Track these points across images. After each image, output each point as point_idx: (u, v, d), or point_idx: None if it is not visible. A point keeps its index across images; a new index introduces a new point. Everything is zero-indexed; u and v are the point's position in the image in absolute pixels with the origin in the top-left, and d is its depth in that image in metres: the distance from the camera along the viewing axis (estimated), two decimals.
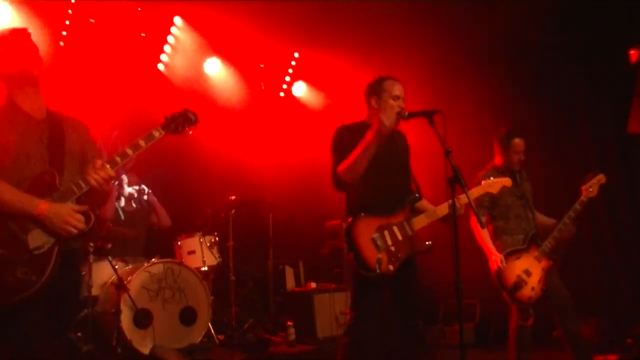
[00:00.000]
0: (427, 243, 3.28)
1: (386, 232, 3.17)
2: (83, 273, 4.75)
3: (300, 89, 7.85)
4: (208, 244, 5.53)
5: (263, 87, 7.69)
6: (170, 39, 6.77)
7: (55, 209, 2.43)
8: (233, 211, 6.02)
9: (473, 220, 3.99)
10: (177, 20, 6.68)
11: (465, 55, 6.54)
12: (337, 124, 3.40)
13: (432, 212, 3.33)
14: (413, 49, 6.26)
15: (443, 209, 3.30)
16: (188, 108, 2.73)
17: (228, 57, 7.19)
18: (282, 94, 7.86)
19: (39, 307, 2.42)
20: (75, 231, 2.46)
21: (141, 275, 4.75)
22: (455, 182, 2.93)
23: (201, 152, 6.74)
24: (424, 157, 3.91)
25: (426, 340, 5.62)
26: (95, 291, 4.80)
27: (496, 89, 6.39)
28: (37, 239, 2.42)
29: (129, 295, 4.57)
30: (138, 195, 5.60)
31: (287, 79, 7.79)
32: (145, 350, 4.56)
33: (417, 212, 3.33)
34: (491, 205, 4.12)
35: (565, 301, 4.00)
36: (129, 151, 2.58)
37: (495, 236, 4.12)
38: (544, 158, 6.00)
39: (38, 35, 2.73)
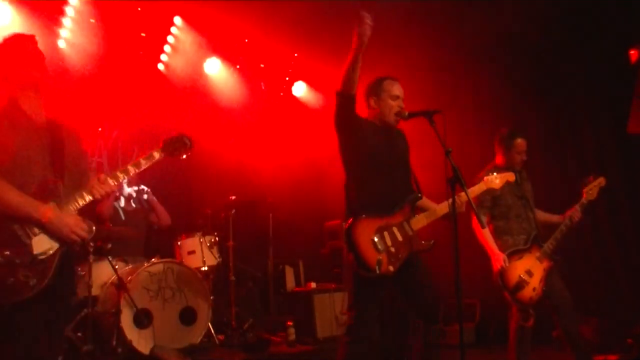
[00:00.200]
0: (428, 242, 3.28)
1: (386, 233, 3.17)
2: (83, 273, 4.76)
3: (300, 89, 7.85)
4: (208, 244, 5.52)
5: (263, 87, 7.69)
6: (170, 38, 6.75)
7: (62, 218, 2.48)
8: (233, 211, 6.00)
9: (475, 221, 3.99)
10: (177, 20, 6.67)
11: (465, 55, 6.54)
12: None
13: (432, 212, 3.33)
14: (413, 49, 6.25)
15: (443, 208, 3.30)
16: (184, 133, 2.82)
17: (228, 57, 7.19)
18: (282, 94, 7.86)
19: (39, 307, 2.43)
20: (79, 240, 2.54)
21: (141, 275, 4.75)
22: (455, 182, 2.93)
23: (201, 152, 6.67)
24: (424, 157, 3.91)
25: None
26: (95, 291, 4.78)
27: (496, 89, 6.39)
28: (41, 245, 2.45)
29: (129, 295, 4.57)
30: (138, 195, 5.60)
31: (287, 79, 7.79)
32: (145, 350, 4.56)
33: (419, 210, 3.33)
34: (492, 204, 4.12)
35: (566, 301, 4.00)
36: (131, 169, 2.72)
37: (496, 236, 4.11)
38: (544, 158, 5.99)
39: (38, 36, 2.75)
